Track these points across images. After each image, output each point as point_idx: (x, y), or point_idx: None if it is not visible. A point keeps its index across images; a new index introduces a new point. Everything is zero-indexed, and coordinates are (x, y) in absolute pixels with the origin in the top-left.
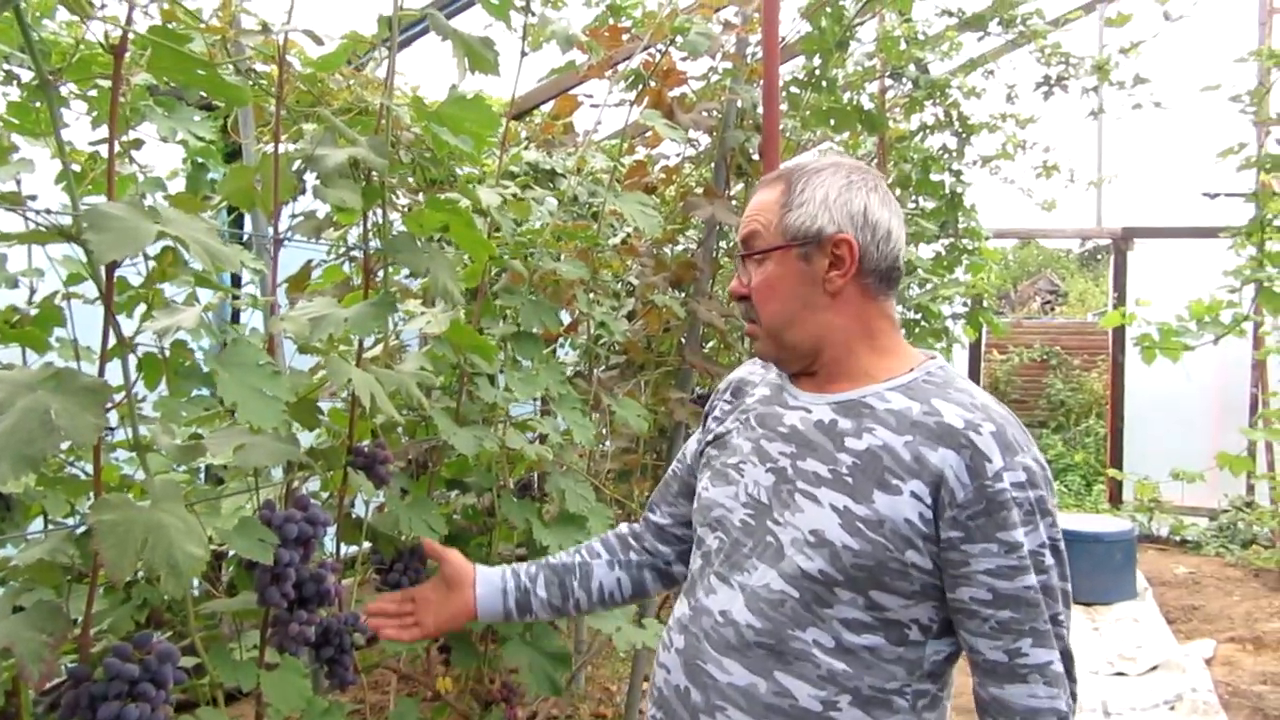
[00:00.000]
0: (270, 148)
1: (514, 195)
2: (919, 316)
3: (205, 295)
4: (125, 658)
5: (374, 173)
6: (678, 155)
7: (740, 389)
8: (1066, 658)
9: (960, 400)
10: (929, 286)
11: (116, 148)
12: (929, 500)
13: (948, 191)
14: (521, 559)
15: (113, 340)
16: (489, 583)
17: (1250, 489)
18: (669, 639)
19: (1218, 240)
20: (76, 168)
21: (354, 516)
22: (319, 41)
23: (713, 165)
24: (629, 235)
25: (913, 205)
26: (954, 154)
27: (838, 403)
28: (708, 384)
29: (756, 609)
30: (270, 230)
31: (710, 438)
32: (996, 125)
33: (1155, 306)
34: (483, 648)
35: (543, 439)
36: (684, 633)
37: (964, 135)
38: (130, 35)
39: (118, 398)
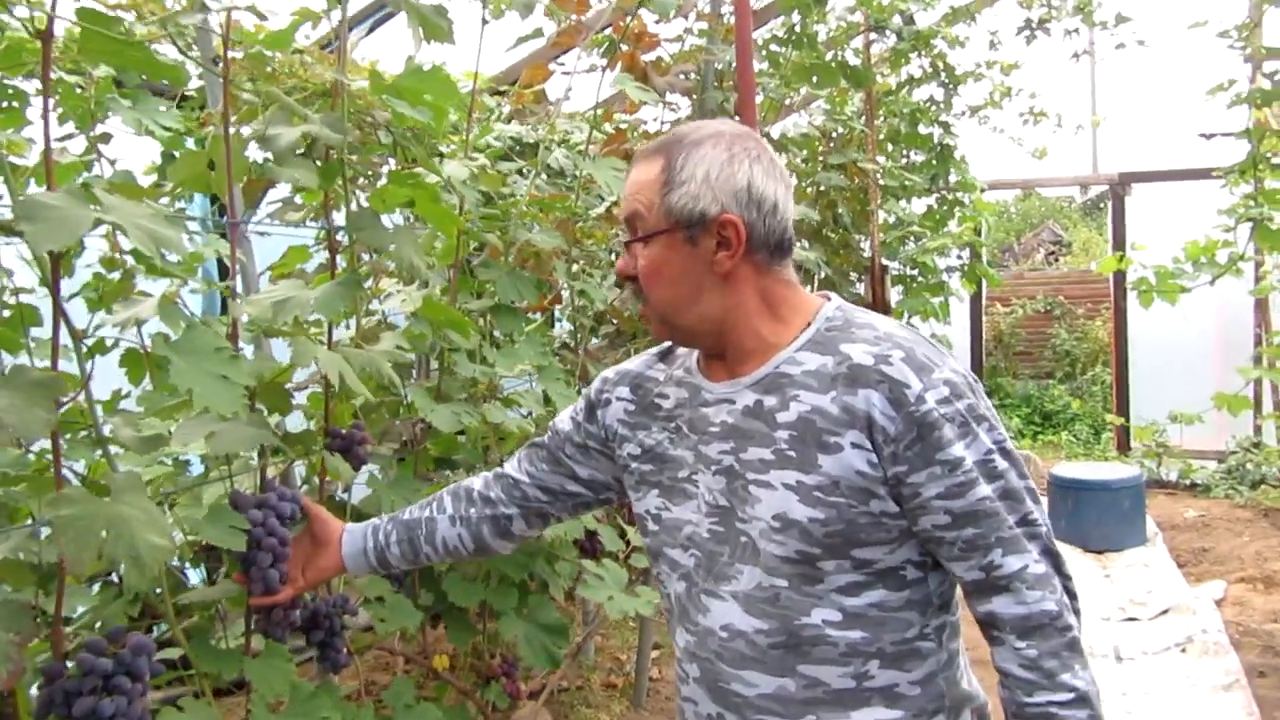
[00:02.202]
0: (233, 131)
1: (483, 168)
2: (915, 272)
3: (190, 287)
4: (99, 651)
5: (332, 150)
6: (656, 119)
7: (640, 385)
8: (1049, 555)
9: (864, 337)
10: (921, 242)
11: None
12: (868, 445)
13: (937, 144)
14: None
15: (68, 333)
16: (353, 543)
17: (1258, 430)
18: (683, 671)
19: (1216, 181)
20: (18, 160)
21: (336, 499)
22: (262, 17)
23: None
24: (612, 205)
25: (904, 160)
26: (942, 105)
27: (756, 382)
28: None
29: (757, 611)
30: (249, 215)
31: (639, 450)
32: (982, 74)
33: (1157, 250)
34: (480, 624)
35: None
36: (694, 660)
37: (951, 86)
38: (57, 19)
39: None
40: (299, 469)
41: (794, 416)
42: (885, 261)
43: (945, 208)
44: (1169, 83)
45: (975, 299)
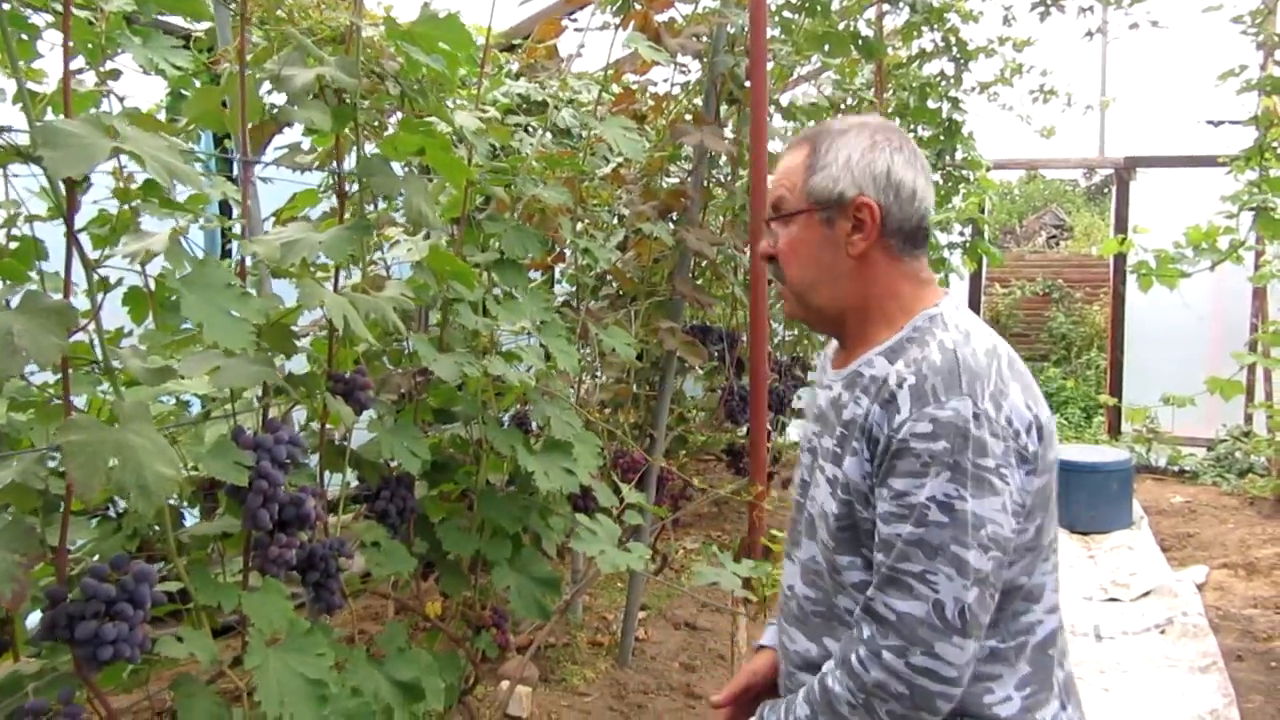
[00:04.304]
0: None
1: (493, 120)
2: None
3: (191, 227)
4: (102, 578)
5: (345, 94)
6: (665, 81)
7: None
8: (930, 627)
9: (911, 355)
10: None
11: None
12: (868, 454)
13: (945, 119)
14: (510, 483)
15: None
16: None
17: (1248, 419)
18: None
19: (1221, 168)
20: (36, 87)
21: (337, 444)
22: None
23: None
24: (619, 165)
25: (911, 134)
26: (952, 80)
27: (844, 377)
28: (701, 315)
29: (808, 580)
30: (257, 158)
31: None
32: (994, 50)
33: (1160, 236)
34: (472, 575)
35: None
36: (779, 606)
37: (962, 61)
38: None
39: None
40: (299, 413)
41: (849, 416)
42: None
43: (950, 184)
44: (1178, 69)
45: (975, 277)
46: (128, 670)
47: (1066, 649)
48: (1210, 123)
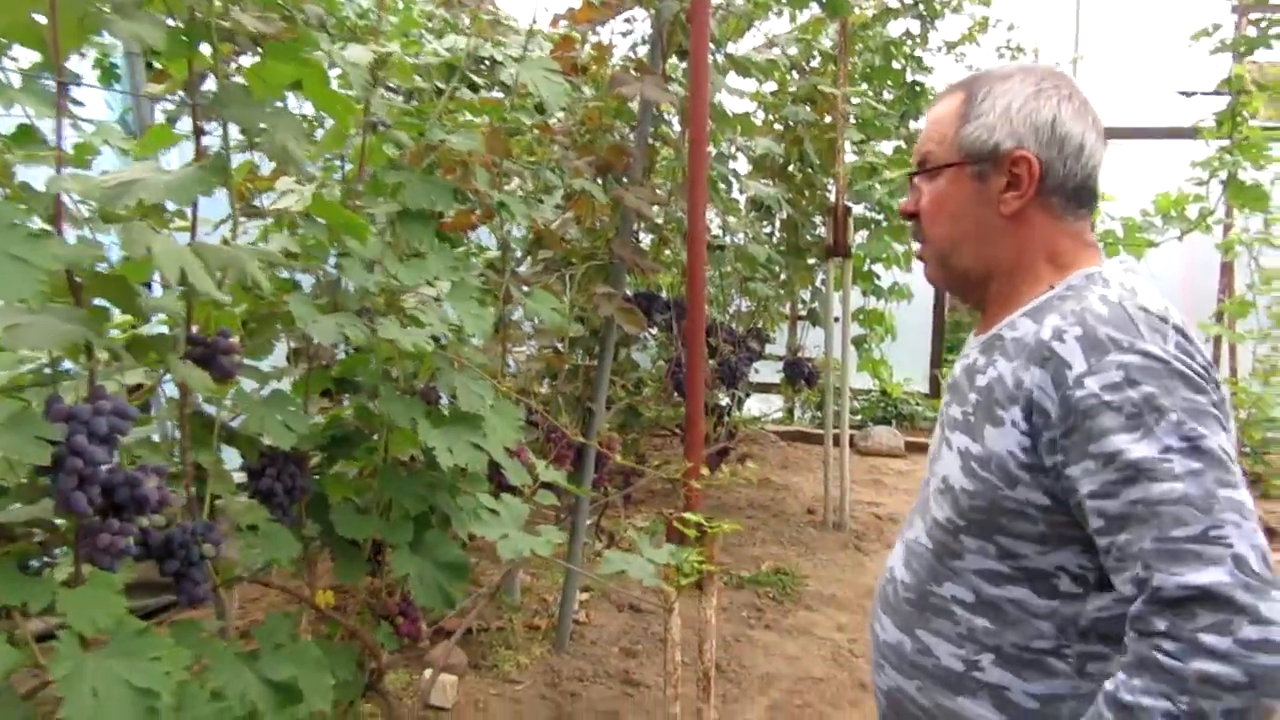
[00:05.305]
0: None
1: (391, 55)
2: (881, 216)
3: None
4: None
5: (196, 11)
6: (605, 26)
7: None
8: (1235, 586)
9: (1065, 309)
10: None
11: None
12: (1025, 427)
13: (908, 80)
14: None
15: None
16: None
17: None
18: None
19: (1194, 141)
20: None
21: (205, 415)
22: None
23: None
24: (559, 120)
25: (875, 97)
26: (918, 39)
27: (982, 342)
28: (644, 281)
29: (908, 564)
30: (74, 79)
31: None
32: (960, 5)
33: (1130, 207)
34: (376, 561)
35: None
36: (877, 590)
37: (928, 18)
38: None
39: None
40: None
41: (985, 381)
42: (851, 205)
43: (911, 151)
44: (1152, 40)
45: None
46: None
47: None
48: (1183, 94)
